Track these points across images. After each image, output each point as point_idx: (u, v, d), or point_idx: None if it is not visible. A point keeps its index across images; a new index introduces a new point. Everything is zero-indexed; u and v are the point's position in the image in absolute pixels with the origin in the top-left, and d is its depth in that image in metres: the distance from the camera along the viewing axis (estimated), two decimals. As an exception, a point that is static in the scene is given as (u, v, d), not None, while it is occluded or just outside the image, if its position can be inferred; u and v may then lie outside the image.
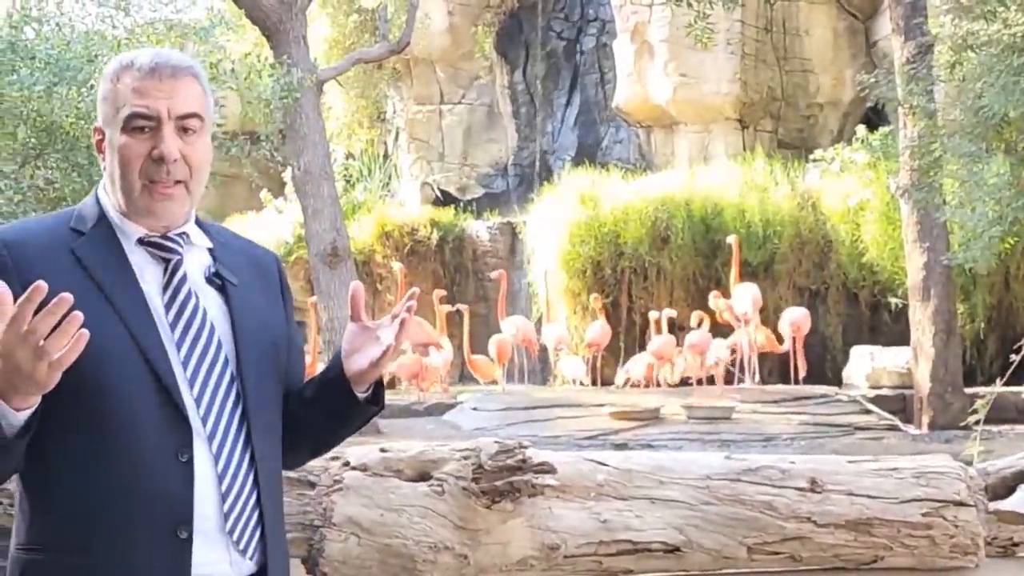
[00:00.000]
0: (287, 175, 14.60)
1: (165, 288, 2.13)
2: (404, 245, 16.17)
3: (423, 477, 3.45)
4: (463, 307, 13.76)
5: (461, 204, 17.96)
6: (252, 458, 2.12)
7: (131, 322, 2.06)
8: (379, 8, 16.37)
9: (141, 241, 2.15)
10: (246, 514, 2.11)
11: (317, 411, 2.28)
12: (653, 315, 13.24)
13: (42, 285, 1.81)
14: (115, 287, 2.08)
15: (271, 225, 16.67)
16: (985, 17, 9.13)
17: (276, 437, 2.23)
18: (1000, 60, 9.10)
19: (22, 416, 1.91)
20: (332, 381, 2.25)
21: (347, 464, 3.45)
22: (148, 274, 2.13)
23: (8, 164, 8.05)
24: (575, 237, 14.63)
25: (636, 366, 13.12)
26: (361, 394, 2.24)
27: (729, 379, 13.11)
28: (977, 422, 6.34)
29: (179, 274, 2.15)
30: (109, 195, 2.17)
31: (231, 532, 2.09)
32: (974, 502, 3.60)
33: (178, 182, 2.13)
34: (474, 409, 12.31)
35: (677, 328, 13.99)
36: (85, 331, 1.82)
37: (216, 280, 2.19)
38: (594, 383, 13.56)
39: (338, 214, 11.81)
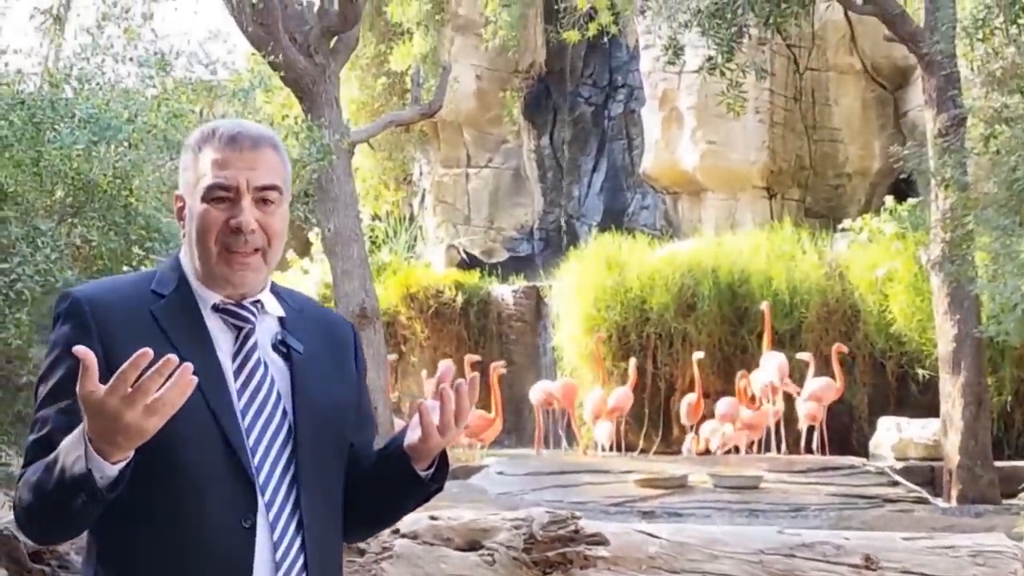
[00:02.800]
0: (313, 235, 14.68)
1: (235, 355, 2.15)
2: (429, 307, 16.17)
3: (473, 546, 3.42)
4: (500, 367, 13.59)
5: (486, 267, 17.98)
6: (301, 527, 2.12)
7: (205, 387, 2.05)
8: (411, 71, 16.54)
9: (216, 308, 2.17)
10: None
11: (376, 484, 2.27)
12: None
13: (148, 352, 1.85)
14: (191, 351, 2.07)
15: (296, 285, 16.71)
16: (1020, 91, 9.14)
17: (332, 508, 2.22)
18: (1034, 134, 9.09)
19: (117, 468, 1.92)
20: (393, 455, 2.24)
21: (396, 531, 3.42)
22: (221, 340, 2.16)
23: (45, 222, 8.09)
24: (600, 302, 14.61)
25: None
26: (422, 471, 2.22)
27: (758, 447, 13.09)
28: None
29: (250, 342, 2.17)
30: (188, 261, 2.20)
31: None
32: (1032, 583, 3.54)
33: (256, 250, 2.15)
34: (499, 473, 12.23)
35: (702, 396, 13.93)
36: (194, 378, 1.87)
37: (282, 348, 2.20)
38: (618, 449, 13.48)
39: (367, 275, 11.85)
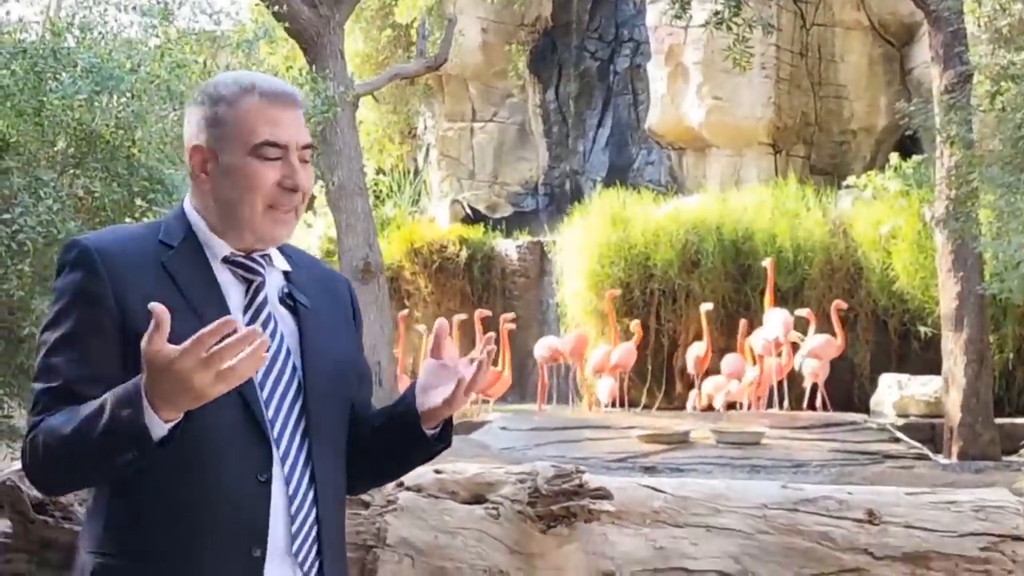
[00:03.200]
0: (316, 188, 14.63)
1: (246, 308, 2.15)
2: (433, 262, 16.17)
3: (478, 500, 3.43)
4: (510, 323, 13.54)
5: (491, 222, 17.96)
6: (313, 480, 2.13)
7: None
8: (416, 24, 16.42)
9: (227, 260, 2.16)
10: (311, 537, 2.13)
11: (382, 442, 2.27)
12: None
13: (232, 320, 1.85)
14: (204, 303, 2.09)
15: (301, 239, 16.70)
16: (1027, 48, 9.09)
17: (340, 461, 2.23)
18: (1041, 91, 9.05)
19: (168, 427, 1.91)
20: (402, 415, 2.24)
21: (401, 485, 3.44)
22: (232, 292, 2.15)
23: (47, 172, 8.06)
24: (604, 258, 14.60)
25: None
26: (430, 431, 2.23)
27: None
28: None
29: (261, 296, 2.17)
30: (200, 212, 2.18)
31: (296, 554, 2.10)
32: (1034, 538, 3.56)
33: (293, 208, 2.17)
34: (503, 429, 12.28)
35: (710, 348, 13.95)
36: (267, 355, 1.87)
37: (289, 301, 2.20)
38: (621, 405, 13.52)
39: (371, 230, 11.83)
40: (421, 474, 3.43)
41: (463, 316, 13.53)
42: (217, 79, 2.19)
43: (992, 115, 10.12)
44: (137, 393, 1.88)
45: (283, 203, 2.13)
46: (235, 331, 1.84)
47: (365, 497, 3.38)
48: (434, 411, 2.19)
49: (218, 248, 2.16)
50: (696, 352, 13.26)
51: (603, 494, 3.36)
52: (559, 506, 3.32)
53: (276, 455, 2.09)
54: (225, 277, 2.16)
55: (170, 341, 1.87)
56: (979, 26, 10.47)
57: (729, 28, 11.42)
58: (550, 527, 3.34)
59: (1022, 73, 9.46)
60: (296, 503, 2.10)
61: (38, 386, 2.05)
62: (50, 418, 1.99)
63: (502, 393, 13.56)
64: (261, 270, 2.17)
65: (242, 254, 2.17)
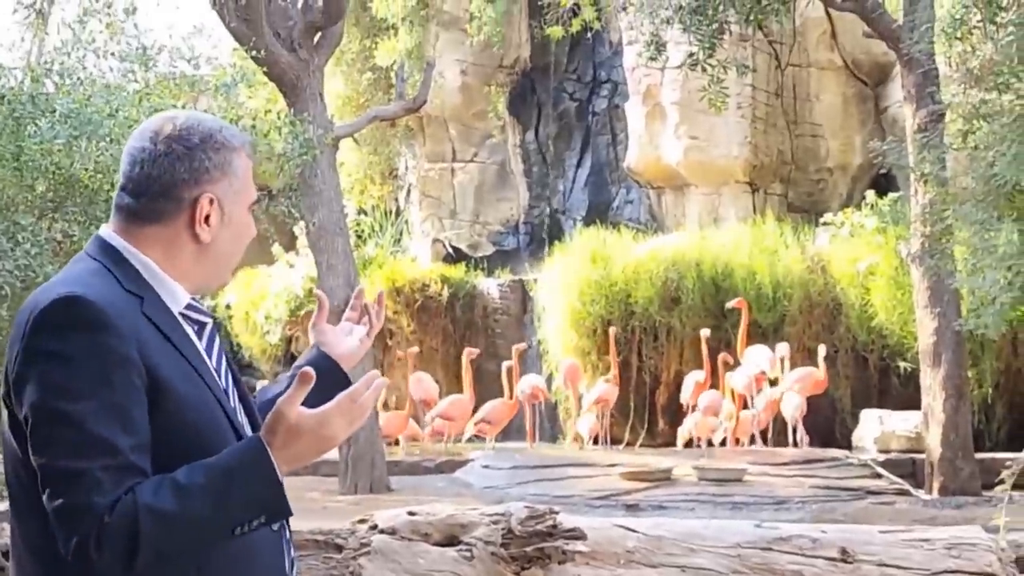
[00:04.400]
0: (298, 229, 14.68)
1: (207, 352, 2.13)
2: (415, 301, 16.19)
3: (451, 541, 3.45)
4: (472, 351, 13.84)
5: (472, 261, 18.02)
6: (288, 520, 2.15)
7: (211, 384, 2.06)
8: (396, 66, 16.52)
9: (189, 306, 2.13)
10: None
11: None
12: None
13: (376, 373, 1.98)
14: (188, 352, 2.07)
15: (282, 279, 16.72)
16: (997, 88, 9.20)
17: None
18: (1012, 130, 9.16)
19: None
20: (323, 373, 2.22)
21: (375, 527, 3.45)
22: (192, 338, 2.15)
23: (26, 217, 8.08)
24: (585, 296, 14.66)
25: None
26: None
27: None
28: (1005, 490, 6.28)
29: (217, 339, 2.17)
30: (160, 259, 2.08)
31: None
32: (1005, 574, 3.59)
33: None
34: (485, 467, 12.28)
35: (710, 375, 13.97)
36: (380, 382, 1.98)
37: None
38: (605, 442, 13.53)
39: (352, 270, 11.84)
40: (395, 515, 3.45)
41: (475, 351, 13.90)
42: (217, 124, 2.13)
43: (965, 153, 10.23)
44: (266, 457, 1.85)
45: None
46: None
47: (339, 541, 3.39)
48: (352, 354, 2.40)
49: (180, 296, 2.09)
50: (695, 378, 13.20)
51: (576, 534, 3.38)
52: (533, 547, 3.34)
53: None
54: (183, 323, 2.12)
55: (185, 393, 1.93)
56: (951, 66, 10.58)
57: (704, 70, 11.53)
58: (524, 568, 3.35)
59: (994, 112, 9.57)
60: (294, 550, 2.14)
61: (86, 464, 1.85)
62: (144, 498, 1.84)
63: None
64: (208, 314, 2.17)
65: (196, 302, 2.16)
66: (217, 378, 2.09)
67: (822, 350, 13.04)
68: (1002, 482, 6.09)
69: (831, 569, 3.51)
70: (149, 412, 1.93)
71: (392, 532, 3.40)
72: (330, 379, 2.28)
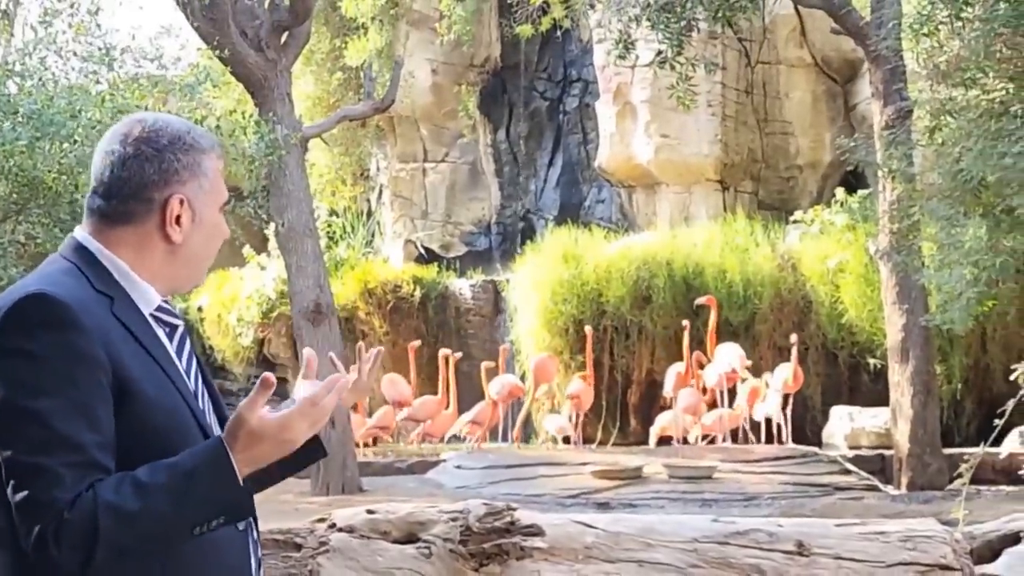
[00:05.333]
0: (269, 231, 14.63)
1: (178, 354, 2.13)
2: (387, 302, 16.17)
3: (410, 539, 3.44)
4: (447, 351, 13.85)
5: (444, 262, 18.01)
6: (255, 520, 2.16)
7: (180, 386, 2.06)
8: (364, 66, 16.49)
9: (159, 308, 2.12)
10: None
11: None
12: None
13: (339, 377, 1.99)
14: (157, 352, 2.06)
15: (253, 281, 16.66)
16: (964, 84, 9.24)
17: None
18: (978, 126, 9.20)
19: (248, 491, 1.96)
20: None
21: (333, 526, 3.44)
22: (162, 340, 2.14)
23: (-10, 219, 8.05)
24: (557, 295, 14.68)
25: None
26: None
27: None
28: (963, 484, 6.33)
29: (188, 342, 2.17)
30: (131, 260, 2.09)
31: None
32: (960, 566, 3.61)
33: None
34: (457, 467, 12.28)
35: (659, 387, 14.01)
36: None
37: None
38: (577, 441, 13.55)
39: (321, 271, 11.81)
40: (354, 514, 3.45)
41: (417, 343, 13.88)
42: (186, 126, 2.13)
43: (932, 149, 10.27)
44: (226, 459, 1.87)
45: None
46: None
47: (297, 540, 3.38)
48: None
49: (152, 298, 2.10)
50: (677, 370, 13.14)
51: (534, 531, 3.38)
52: (491, 544, 3.34)
53: None
54: (154, 325, 2.11)
55: (151, 393, 1.93)
56: (918, 63, 10.63)
57: (672, 67, 11.56)
58: (482, 565, 3.35)
59: (960, 108, 9.62)
60: (260, 549, 2.15)
61: (49, 460, 1.86)
62: (105, 495, 1.86)
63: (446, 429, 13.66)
64: (179, 316, 2.17)
65: (165, 301, 2.16)
66: (187, 380, 2.09)
67: (794, 341, 13.01)
68: (960, 476, 6.12)
69: (788, 562, 3.52)
70: (115, 412, 1.93)
71: (351, 530, 3.40)
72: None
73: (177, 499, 1.85)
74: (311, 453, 2.15)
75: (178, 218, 2.08)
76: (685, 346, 13.24)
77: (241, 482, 1.88)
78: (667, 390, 13.28)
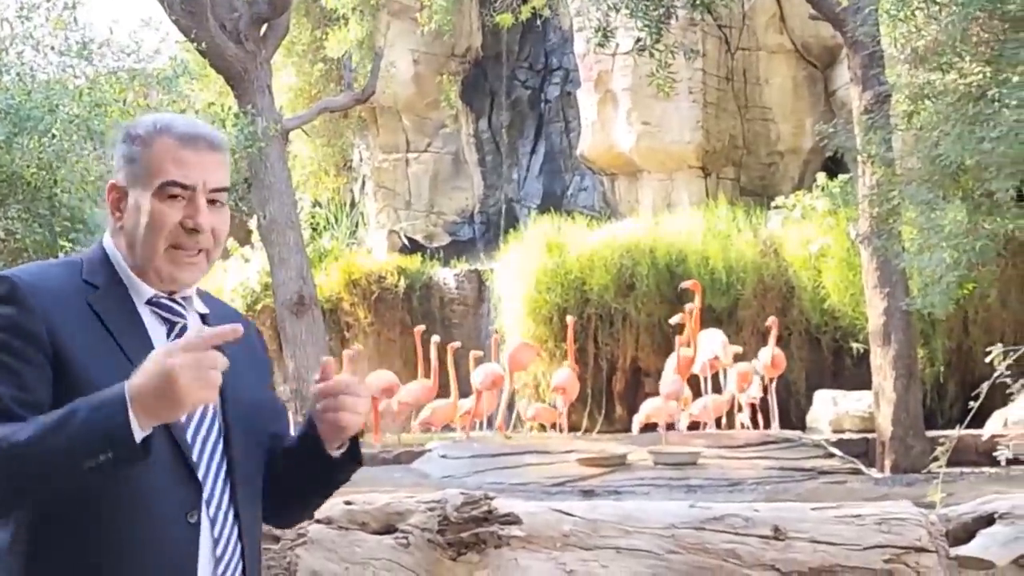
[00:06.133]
0: (253, 223, 14.62)
1: None
2: (371, 293, 16.17)
3: (388, 529, 3.45)
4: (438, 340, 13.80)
5: (428, 252, 18.02)
6: (237, 520, 2.16)
7: None
8: (344, 57, 16.45)
9: (150, 302, 2.17)
10: None
11: (298, 472, 2.29)
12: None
13: (239, 328, 1.95)
14: (129, 343, 2.09)
15: (237, 273, 16.64)
16: (941, 68, 9.29)
17: (257, 500, 2.26)
18: (956, 109, 9.24)
19: (143, 434, 1.91)
20: (307, 442, 2.26)
21: (311, 517, 3.45)
22: (155, 334, 2.16)
23: (-31, 215, 8.02)
24: (541, 284, 14.69)
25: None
26: (336, 452, 2.25)
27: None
28: (940, 466, 6.37)
29: None
30: (121, 251, 2.19)
31: None
32: (935, 548, 3.64)
33: (201, 251, 2.18)
34: (442, 457, 12.27)
35: (643, 374, 14.05)
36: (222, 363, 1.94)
37: None
38: (563, 429, 13.56)
39: (304, 262, 11.82)
40: (331, 505, 3.46)
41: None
42: (139, 119, 2.22)
43: (911, 134, 10.31)
44: (120, 395, 1.88)
45: (186, 244, 2.15)
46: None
47: (276, 532, 3.39)
48: (327, 431, 2.22)
49: (142, 289, 2.17)
50: (684, 353, 13.01)
51: (512, 519, 3.40)
52: (469, 533, 3.36)
53: (203, 496, 2.10)
54: (148, 317, 2.17)
55: (96, 380, 1.93)
56: (896, 47, 10.67)
57: (652, 55, 11.57)
58: (460, 554, 3.37)
59: (938, 92, 9.66)
60: (221, 545, 2.12)
61: None
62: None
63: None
64: (183, 312, 2.19)
65: (165, 296, 2.18)
66: None
67: (772, 323, 12.95)
68: (936, 459, 6.17)
69: (764, 547, 3.55)
70: (54, 392, 2.00)
71: (328, 522, 3.41)
72: (312, 454, 2.27)
73: (63, 427, 1.88)
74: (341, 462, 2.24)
75: (116, 203, 2.20)
76: (690, 328, 13.01)
77: (131, 414, 1.87)
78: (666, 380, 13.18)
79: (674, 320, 13.20)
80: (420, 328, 13.73)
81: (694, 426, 13.10)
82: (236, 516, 2.15)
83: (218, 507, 2.12)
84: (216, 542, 2.11)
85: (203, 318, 2.24)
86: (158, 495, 2.05)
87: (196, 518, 2.08)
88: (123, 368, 2.00)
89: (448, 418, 13.57)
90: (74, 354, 2.01)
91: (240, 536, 2.15)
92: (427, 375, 13.55)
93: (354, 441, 2.28)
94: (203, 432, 2.14)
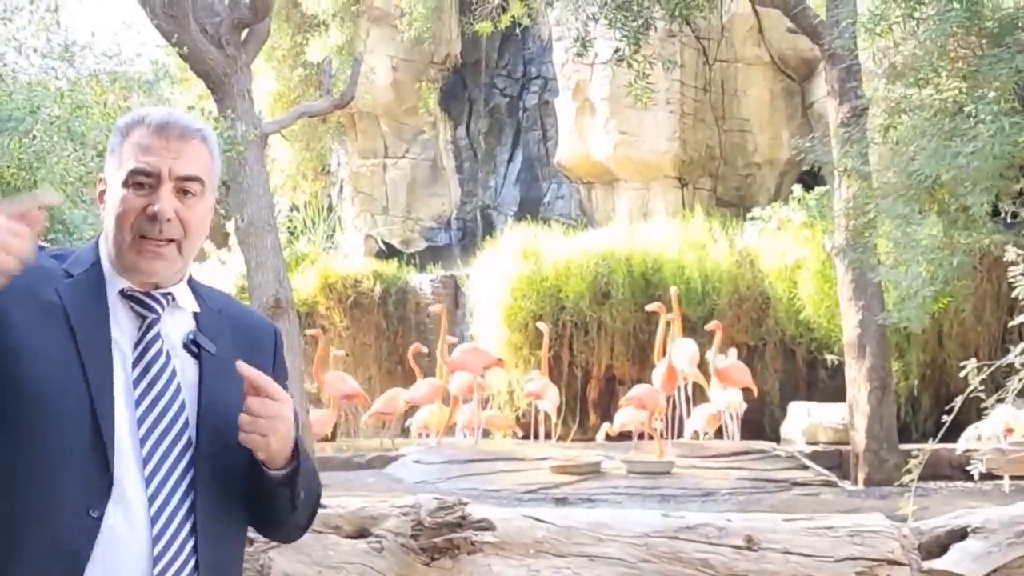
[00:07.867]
0: (230, 226, 14.56)
1: (136, 344, 2.12)
2: (347, 297, 16.16)
3: (362, 534, 3.45)
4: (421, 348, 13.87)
5: (404, 257, 18.02)
6: (194, 528, 2.08)
7: (89, 371, 2.05)
8: (324, 63, 16.44)
9: (123, 293, 2.14)
10: None
11: (254, 486, 2.19)
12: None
13: (44, 197, 2.00)
14: (86, 334, 2.07)
15: (214, 276, 16.57)
16: (918, 83, 9.36)
17: (231, 508, 2.16)
18: (932, 124, 9.31)
19: None
20: (254, 460, 2.15)
21: (299, 534, 3.44)
22: (125, 327, 2.12)
23: (-54, 214, 7.97)
24: (517, 291, 14.70)
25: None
26: (275, 472, 2.14)
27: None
28: (912, 480, 6.41)
29: (152, 332, 2.13)
30: (104, 245, 2.18)
31: None
32: (908, 561, 3.66)
33: (171, 241, 2.13)
34: (416, 462, 12.26)
35: (617, 383, 14.08)
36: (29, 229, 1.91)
37: (193, 347, 2.17)
38: (545, 436, 13.56)
39: (281, 266, 11.77)
40: (305, 511, 3.45)
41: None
42: (127, 114, 2.22)
43: (887, 147, 10.38)
44: None
45: (151, 233, 2.10)
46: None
47: (249, 535, 3.38)
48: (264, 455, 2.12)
49: (117, 282, 2.14)
50: (660, 369, 12.96)
51: (485, 525, 3.40)
52: (442, 538, 3.36)
53: (141, 495, 2.03)
54: (121, 311, 2.13)
55: (40, 367, 1.96)
56: (874, 61, 10.75)
57: (630, 65, 11.61)
58: (434, 559, 3.37)
59: (915, 106, 9.72)
60: (160, 546, 2.04)
61: None
62: None
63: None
64: (158, 308, 2.14)
65: (140, 290, 2.14)
66: (121, 366, 2.08)
67: (715, 326, 12.88)
68: (909, 472, 6.21)
69: (737, 557, 3.56)
70: None
71: (302, 526, 3.38)
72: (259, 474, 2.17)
73: None
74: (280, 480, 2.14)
75: (101, 196, 2.20)
76: (678, 331, 13.03)
77: None
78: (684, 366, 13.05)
79: (650, 308, 13.13)
80: (419, 347, 13.75)
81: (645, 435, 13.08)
82: (194, 527, 2.06)
83: (163, 507, 2.04)
84: (155, 541, 2.03)
85: (196, 318, 2.19)
86: (61, 480, 2.00)
87: (99, 513, 2.01)
88: (70, 357, 2.03)
89: (443, 423, 13.53)
90: (15, 339, 2.01)
91: (196, 547, 2.06)
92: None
93: (295, 464, 2.15)
94: (161, 427, 2.07)
